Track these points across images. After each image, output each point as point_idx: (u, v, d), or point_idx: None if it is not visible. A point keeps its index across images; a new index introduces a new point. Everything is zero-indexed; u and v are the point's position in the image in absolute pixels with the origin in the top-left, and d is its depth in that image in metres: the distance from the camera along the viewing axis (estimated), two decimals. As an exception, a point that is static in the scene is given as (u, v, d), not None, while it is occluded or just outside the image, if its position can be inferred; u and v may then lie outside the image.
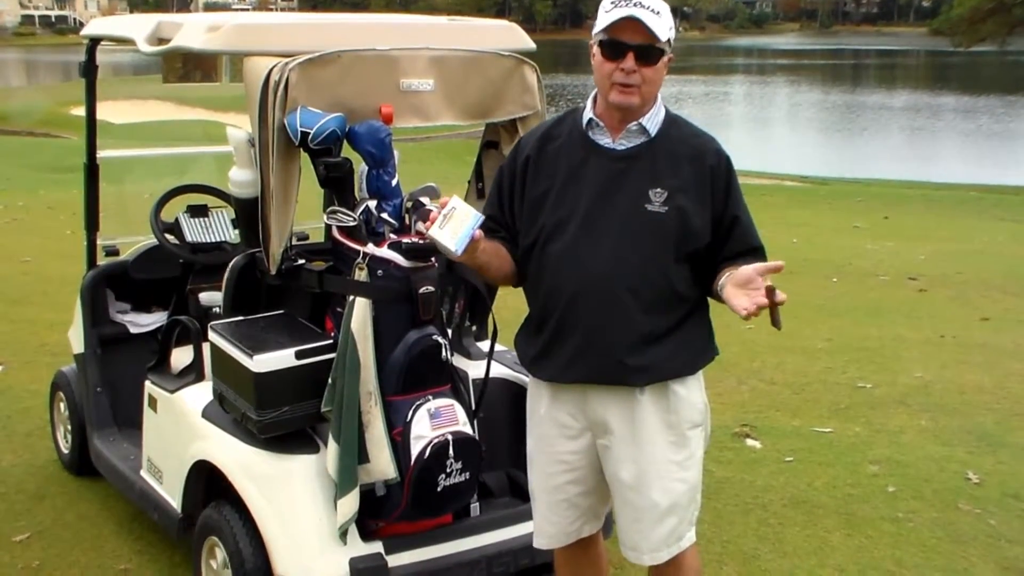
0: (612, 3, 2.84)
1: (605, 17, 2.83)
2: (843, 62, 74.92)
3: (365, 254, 3.33)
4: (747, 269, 2.79)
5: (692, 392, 3.04)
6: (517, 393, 4.00)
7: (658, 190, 2.88)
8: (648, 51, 2.81)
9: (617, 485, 3.06)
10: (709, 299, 3.04)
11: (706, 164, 2.92)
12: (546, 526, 3.21)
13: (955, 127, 33.27)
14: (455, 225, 2.74)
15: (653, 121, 2.94)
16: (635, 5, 2.79)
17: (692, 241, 2.90)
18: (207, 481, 3.71)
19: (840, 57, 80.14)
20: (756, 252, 2.96)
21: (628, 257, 2.87)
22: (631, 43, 2.80)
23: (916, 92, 46.27)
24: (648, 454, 2.98)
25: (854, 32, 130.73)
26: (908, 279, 10.01)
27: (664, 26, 2.81)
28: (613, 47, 2.83)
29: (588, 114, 2.98)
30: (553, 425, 3.10)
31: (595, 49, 2.89)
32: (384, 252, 3.33)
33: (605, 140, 2.97)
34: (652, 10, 2.79)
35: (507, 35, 3.93)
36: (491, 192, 3.20)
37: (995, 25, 36.48)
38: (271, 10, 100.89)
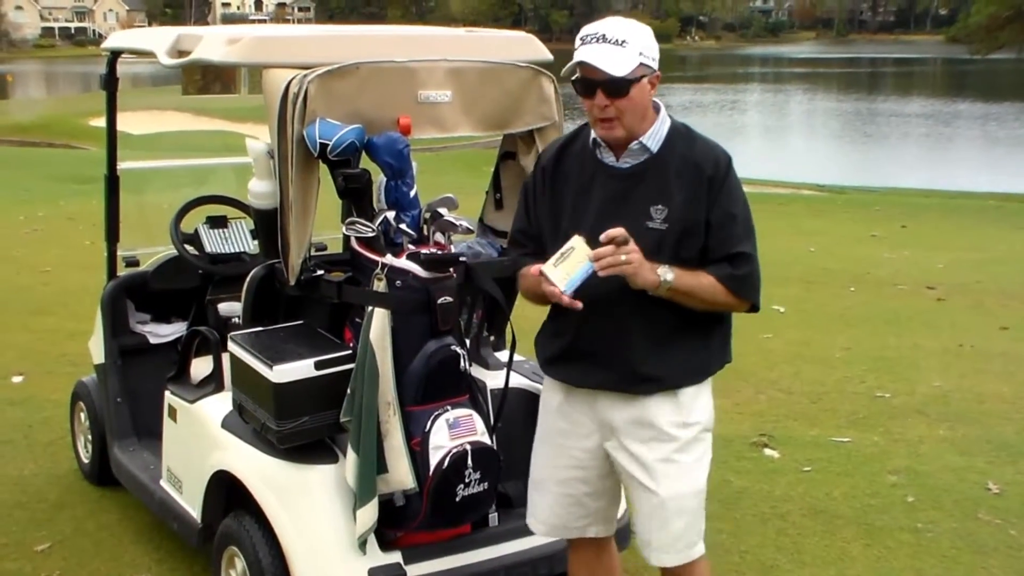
0: (580, 39, 2.89)
1: (574, 55, 2.88)
2: (860, 70, 74.69)
3: (384, 265, 3.34)
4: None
5: (699, 395, 3.08)
6: (535, 403, 4.00)
7: (659, 207, 2.93)
8: (616, 85, 2.84)
9: (630, 483, 3.12)
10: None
11: (704, 175, 2.94)
12: (550, 516, 3.27)
13: (973, 135, 33.12)
14: (569, 266, 2.80)
15: (655, 138, 2.97)
16: (598, 40, 2.85)
17: (689, 254, 2.93)
18: (227, 491, 3.72)
19: (857, 65, 79.91)
20: (735, 258, 2.93)
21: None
22: (597, 80, 2.85)
23: (933, 100, 46.09)
24: (657, 455, 3.03)
25: (870, 40, 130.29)
26: (926, 288, 9.96)
27: (627, 57, 2.83)
28: (583, 84, 2.90)
29: (594, 134, 3.03)
30: (566, 420, 3.18)
31: None
32: (402, 263, 3.34)
33: (610, 159, 3.02)
34: (615, 42, 2.84)
35: (524, 46, 3.94)
36: (518, 207, 3.27)
37: (1013, 33, 36.32)
38: (288, 22, 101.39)
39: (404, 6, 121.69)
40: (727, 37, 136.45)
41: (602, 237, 2.77)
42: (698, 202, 2.92)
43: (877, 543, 4.58)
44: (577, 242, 2.81)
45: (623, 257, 2.76)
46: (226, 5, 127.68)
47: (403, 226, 3.48)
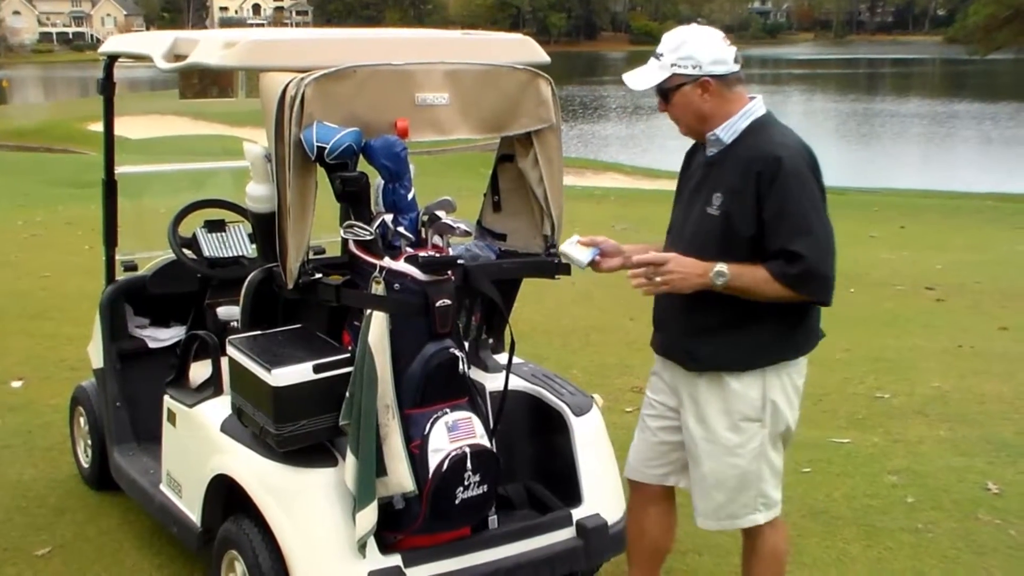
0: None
1: None
2: (858, 71, 74.77)
3: (382, 268, 3.35)
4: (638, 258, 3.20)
5: (748, 388, 3.24)
6: (535, 405, 4.02)
7: (718, 194, 3.17)
8: (660, 93, 3.25)
9: (686, 450, 3.41)
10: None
11: (753, 169, 3.10)
12: (634, 460, 3.60)
13: (972, 135, 33.14)
14: (579, 250, 3.41)
15: (731, 131, 3.21)
16: (653, 57, 3.23)
17: (737, 243, 3.11)
18: (226, 495, 3.72)
19: (855, 66, 79.97)
20: (785, 255, 3.07)
21: (687, 256, 3.15)
22: (654, 90, 3.25)
23: (932, 100, 46.11)
24: (702, 431, 3.30)
25: (869, 41, 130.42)
26: (925, 289, 9.97)
27: (655, 71, 3.20)
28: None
29: None
30: (658, 378, 3.52)
31: None
32: (401, 266, 3.34)
33: (705, 150, 3.31)
34: (657, 55, 3.21)
35: (521, 48, 3.94)
36: None
37: (1011, 33, 36.38)
38: (286, 25, 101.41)
39: (402, 9, 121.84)
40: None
41: (636, 259, 3.17)
42: (743, 195, 3.11)
43: (877, 544, 4.58)
44: (567, 246, 3.42)
45: (658, 279, 3.10)
46: (224, 9, 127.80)
47: (401, 229, 3.47)
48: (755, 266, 3.08)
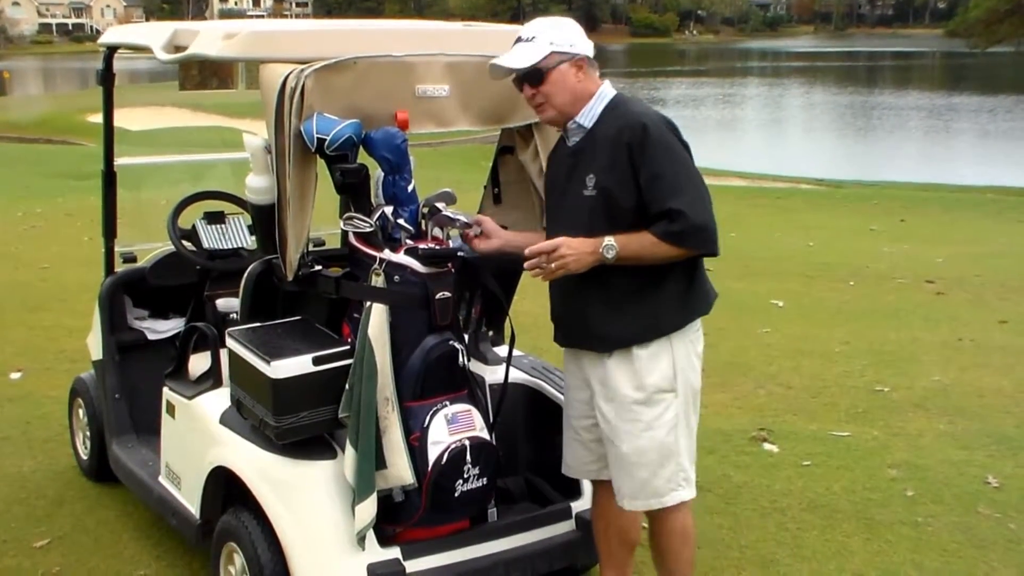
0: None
1: None
2: (858, 64, 74.69)
3: (382, 260, 3.34)
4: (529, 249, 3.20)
5: (658, 359, 3.28)
6: (535, 398, 4.01)
7: (591, 175, 3.25)
8: (531, 75, 3.27)
9: (603, 436, 3.41)
10: (690, 261, 3.28)
11: (623, 140, 3.18)
12: (569, 459, 3.62)
13: (972, 129, 33.09)
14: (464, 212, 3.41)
15: (589, 115, 3.30)
16: (515, 43, 3.29)
17: (620, 215, 3.19)
18: (225, 487, 3.72)
19: (855, 59, 79.90)
20: (669, 214, 3.12)
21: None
22: (518, 76, 3.30)
23: (932, 94, 46.06)
24: (616, 412, 3.32)
25: (869, 34, 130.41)
26: (925, 282, 9.96)
27: (533, 49, 3.24)
28: (515, 81, 3.34)
29: None
30: (570, 375, 3.54)
31: None
32: (401, 258, 3.34)
33: (568, 140, 3.38)
34: (526, 39, 3.27)
35: (522, 40, 3.92)
36: None
37: (1011, 26, 36.40)
38: (286, 17, 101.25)
39: (402, 1, 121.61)
40: (725, 31, 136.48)
41: (527, 251, 3.17)
42: (618, 168, 3.19)
43: (877, 537, 4.58)
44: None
45: (553, 265, 3.14)
46: (223, 0, 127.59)
47: (401, 221, 3.47)
48: (641, 233, 3.14)
